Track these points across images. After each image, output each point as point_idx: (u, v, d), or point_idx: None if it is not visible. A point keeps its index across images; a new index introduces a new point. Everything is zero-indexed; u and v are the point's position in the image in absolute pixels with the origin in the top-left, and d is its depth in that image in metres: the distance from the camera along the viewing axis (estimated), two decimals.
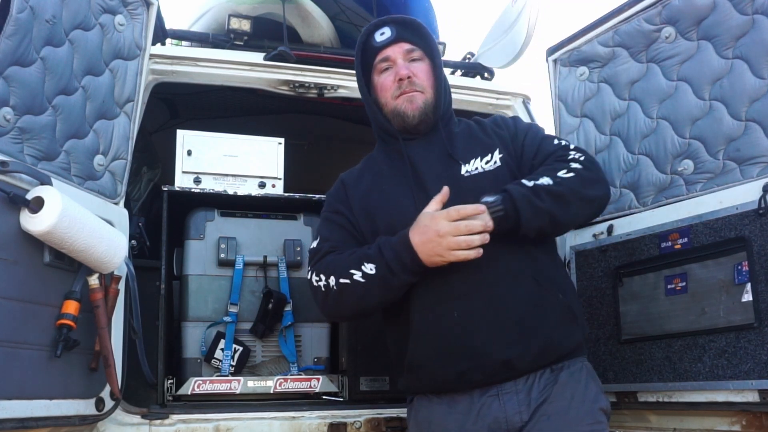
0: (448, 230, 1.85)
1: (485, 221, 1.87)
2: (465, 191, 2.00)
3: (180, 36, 3.28)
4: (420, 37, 2.15)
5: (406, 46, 2.13)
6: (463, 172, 2.08)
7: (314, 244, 2.15)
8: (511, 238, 1.96)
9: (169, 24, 3.00)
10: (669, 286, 2.39)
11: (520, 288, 1.97)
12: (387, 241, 1.94)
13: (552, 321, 1.99)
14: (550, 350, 1.99)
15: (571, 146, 2.13)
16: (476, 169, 2.08)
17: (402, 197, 2.07)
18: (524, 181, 1.96)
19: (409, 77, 2.10)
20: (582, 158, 2.06)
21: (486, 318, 1.95)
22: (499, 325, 1.95)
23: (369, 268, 1.92)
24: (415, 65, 2.13)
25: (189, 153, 2.91)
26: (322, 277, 2.01)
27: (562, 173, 1.99)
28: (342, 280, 1.96)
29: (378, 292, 1.95)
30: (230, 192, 2.91)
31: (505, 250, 1.97)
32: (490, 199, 1.91)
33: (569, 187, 1.97)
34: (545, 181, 1.96)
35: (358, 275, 1.94)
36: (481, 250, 1.85)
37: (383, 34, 2.15)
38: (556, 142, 2.16)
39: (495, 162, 2.09)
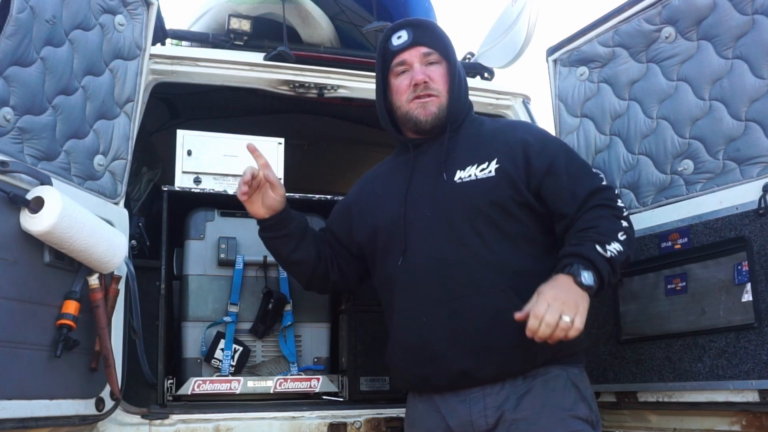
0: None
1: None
2: (453, 198, 2.03)
3: (180, 36, 3.28)
4: (437, 39, 2.13)
5: (423, 49, 2.13)
6: (456, 178, 2.08)
7: None
8: (489, 251, 2.00)
9: (169, 24, 3.00)
10: (669, 286, 2.39)
11: (487, 301, 1.97)
12: None
13: (517, 336, 1.89)
14: (513, 365, 1.98)
15: (610, 189, 2.12)
16: (469, 176, 2.07)
17: (389, 202, 2.11)
18: (599, 251, 1.92)
19: (425, 82, 2.10)
20: (624, 212, 2.08)
21: (447, 327, 1.99)
22: (458, 336, 1.98)
23: None
24: (432, 69, 2.13)
25: (189, 153, 2.90)
26: None
27: (621, 236, 1.99)
28: None
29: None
30: (230, 192, 2.90)
31: (480, 262, 1.99)
32: (584, 282, 1.88)
33: (628, 251, 2.00)
34: (616, 248, 1.95)
35: None
36: None
37: (400, 38, 2.14)
38: (589, 181, 2.09)
39: (490, 171, 2.06)
